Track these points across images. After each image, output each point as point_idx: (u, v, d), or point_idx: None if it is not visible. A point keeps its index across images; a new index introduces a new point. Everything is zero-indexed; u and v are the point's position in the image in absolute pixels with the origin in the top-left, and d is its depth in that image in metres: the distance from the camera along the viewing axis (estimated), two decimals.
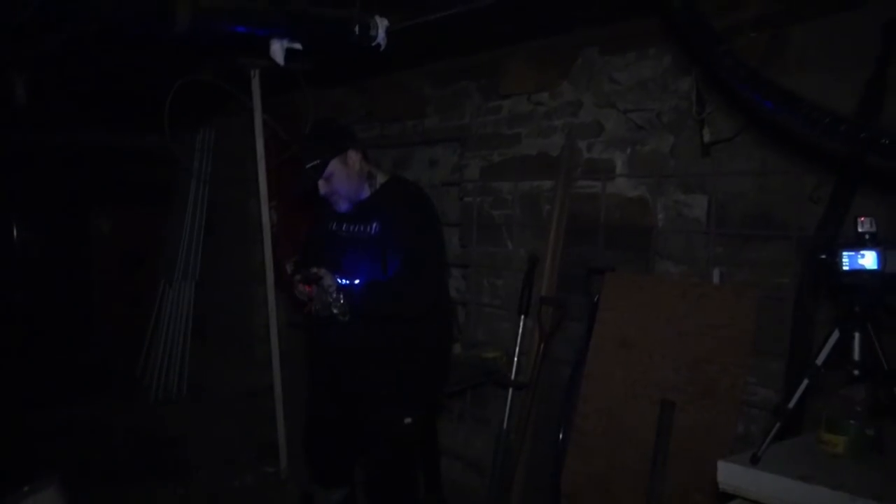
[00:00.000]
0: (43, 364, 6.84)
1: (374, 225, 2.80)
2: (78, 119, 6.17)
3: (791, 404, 2.00)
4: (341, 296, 2.70)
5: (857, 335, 1.93)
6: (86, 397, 6.08)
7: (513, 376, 3.70)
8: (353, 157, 2.79)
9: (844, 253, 1.92)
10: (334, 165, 2.75)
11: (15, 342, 7.01)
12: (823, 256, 1.97)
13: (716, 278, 3.09)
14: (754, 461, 1.89)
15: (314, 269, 2.71)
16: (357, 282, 2.75)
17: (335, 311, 2.71)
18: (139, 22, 2.49)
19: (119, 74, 4.45)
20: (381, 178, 2.91)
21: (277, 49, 3.08)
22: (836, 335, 1.96)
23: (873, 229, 1.90)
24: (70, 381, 6.50)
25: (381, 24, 3.02)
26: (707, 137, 3.09)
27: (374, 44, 3.03)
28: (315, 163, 2.74)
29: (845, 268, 1.92)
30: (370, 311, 2.73)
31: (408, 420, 2.83)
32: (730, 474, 1.93)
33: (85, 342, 7.59)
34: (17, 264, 7.75)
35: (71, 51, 2.93)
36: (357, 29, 2.96)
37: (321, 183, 2.78)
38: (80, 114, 5.95)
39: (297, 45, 3.11)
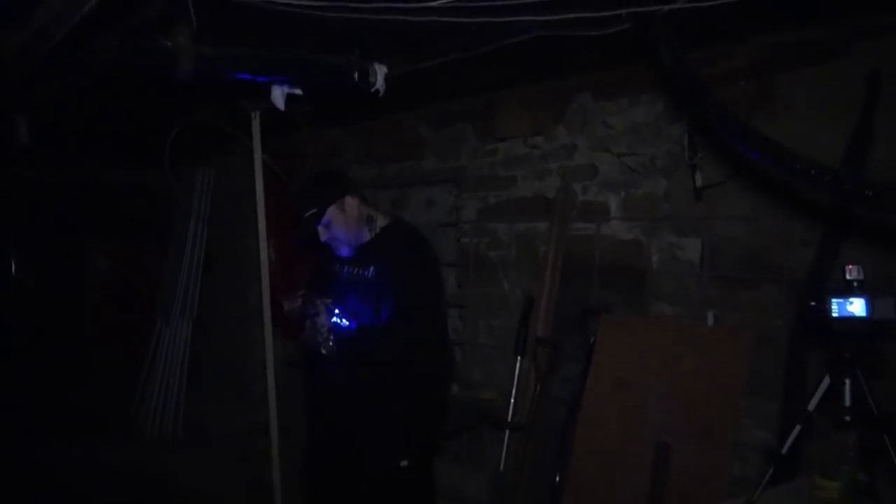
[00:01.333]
0: (37, 401, 6.80)
1: (371, 268, 2.83)
2: (79, 157, 6.22)
3: (784, 449, 2.02)
4: (331, 336, 2.73)
5: (847, 381, 1.96)
6: (80, 435, 6.03)
7: (509, 417, 3.70)
8: (351, 202, 2.82)
9: (833, 300, 1.96)
10: (332, 212, 2.78)
11: (9, 379, 6.98)
12: (813, 303, 2.01)
13: (710, 320, 3.12)
14: None
15: (318, 301, 2.75)
16: (349, 325, 2.78)
17: (323, 351, 2.74)
18: (143, 70, 2.55)
19: (120, 115, 4.51)
20: (381, 222, 2.93)
21: (278, 95, 3.14)
22: (826, 381, 1.99)
23: (861, 277, 1.95)
24: (64, 418, 6.45)
25: (380, 70, 3.07)
26: (699, 182, 3.14)
27: (373, 89, 3.09)
28: (313, 211, 2.77)
29: (835, 314, 1.96)
30: (358, 356, 2.75)
31: (404, 463, 2.83)
32: None
33: (80, 379, 7.55)
34: (15, 300, 7.75)
35: (74, 93, 2.99)
36: (356, 75, 3.01)
37: (321, 230, 2.81)
38: (81, 152, 6.01)
39: (298, 91, 3.17)
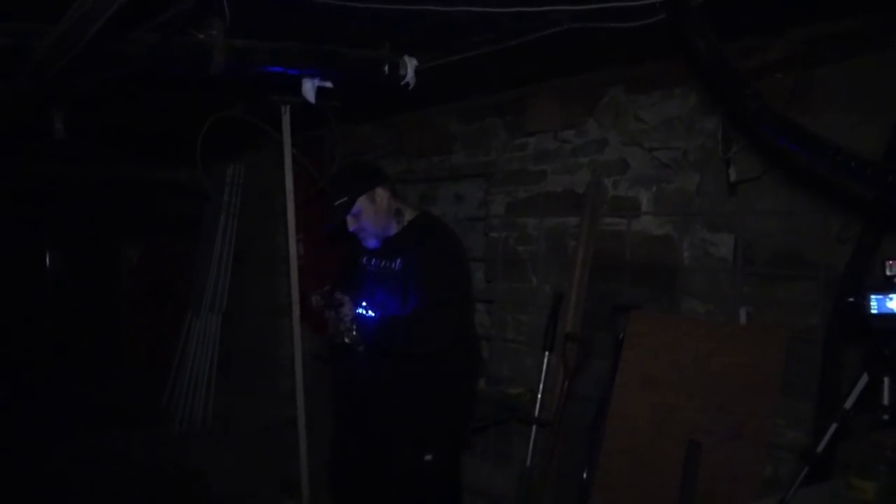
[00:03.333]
0: (69, 393, 6.93)
1: (398, 261, 2.83)
2: (112, 153, 6.31)
3: (820, 448, 1.98)
4: (354, 326, 2.73)
5: (886, 379, 1.91)
6: (111, 427, 6.14)
7: (537, 413, 3.69)
8: (382, 194, 2.82)
9: (873, 296, 1.91)
10: (362, 202, 2.79)
11: (42, 371, 7.12)
12: (851, 299, 1.96)
13: (743, 318, 3.07)
14: None
15: (338, 295, 2.76)
16: (374, 315, 2.78)
17: (347, 340, 2.74)
18: (177, 65, 2.57)
19: (153, 110, 4.57)
20: (408, 215, 2.93)
21: (309, 88, 3.15)
22: (864, 378, 1.94)
23: None
24: (96, 410, 6.57)
25: (410, 63, 3.08)
26: (733, 176, 3.10)
27: (403, 83, 3.09)
28: (343, 200, 2.78)
29: (874, 311, 1.91)
30: (382, 345, 2.75)
31: (428, 457, 2.82)
32: None
33: (112, 371, 7.67)
34: (49, 293, 7.90)
35: (108, 89, 3.02)
36: (387, 68, 3.02)
37: (349, 219, 2.82)
38: (114, 148, 6.09)
39: (328, 84, 3.18)
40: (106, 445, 5.70)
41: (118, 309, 8.20)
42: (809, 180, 2.83)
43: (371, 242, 2.90)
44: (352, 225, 2.84)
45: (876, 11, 2.58)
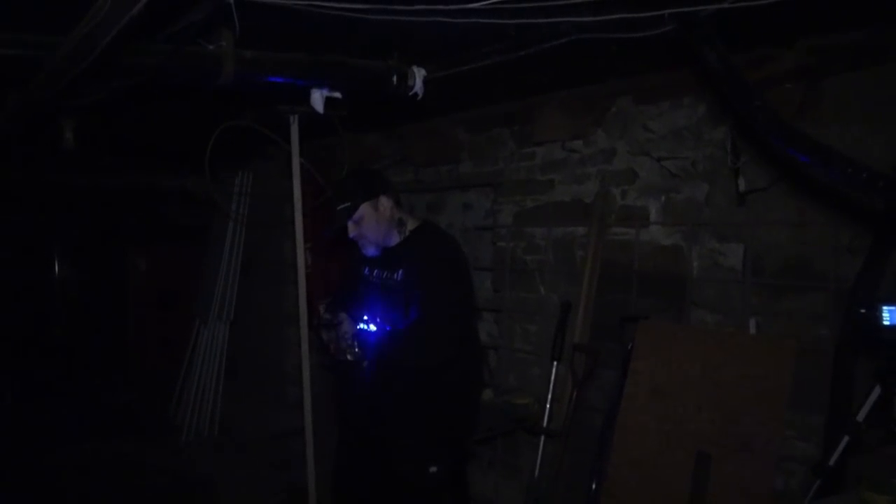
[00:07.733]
0: (77, 400, 6.95)
1: (400, 272, 2.82)
2: (121, 161, 6.34)
3: (831, 461, 1.97)
4: (356, 343, 2.73)
5: None
6: (118, 435, 6.14)
7: (544, 423, 3.67)
8: (385, 202, 2.82)
9: (885, 307, 1.90)
10: (365, 209, 2.78)
11: (51, 377, 7.15)
12: (863, 311, 1.95)
13: (752, 328, 3.05)
14: None
15: (328, 316, 2.76)
16: (375, 329, 2.78)
17: (350, 357, 2.74)
18: (186, 75, 2.58)
19: (162, 120, 4.59)
20: (411, 225, 2.92)
21: (318, 98, 3.15)
22: (877, 391, 1.93)
23: None
24: (103, 417, 6.58)
25: (419, 73, 3.08)
26: (742, 187, 3.09)
27: (411, 93, 3.09)
28: (346, 205, 2.78)
29: (886, 323, 1.90)
30: (385, 360, 2.74)
31: (433, 469, 2.80)
32: None
33: (120, 378, 7.69)
34: (58, 301, 7.94)
35: (117, 98, 3.03)
36: (395, 79, 3.02)
37: (350, 225, 2.81)
38: (123, 156, 6.11)
39: (337, 94, 3.19)
40: (113, 453, 5.70)
41: (126, 316, 8.22)
42: (819, 191, 2.82)
43: (370, 251, 2.89)
44: (352, 231, 2.83)
45: (886, 22, 2.57)
